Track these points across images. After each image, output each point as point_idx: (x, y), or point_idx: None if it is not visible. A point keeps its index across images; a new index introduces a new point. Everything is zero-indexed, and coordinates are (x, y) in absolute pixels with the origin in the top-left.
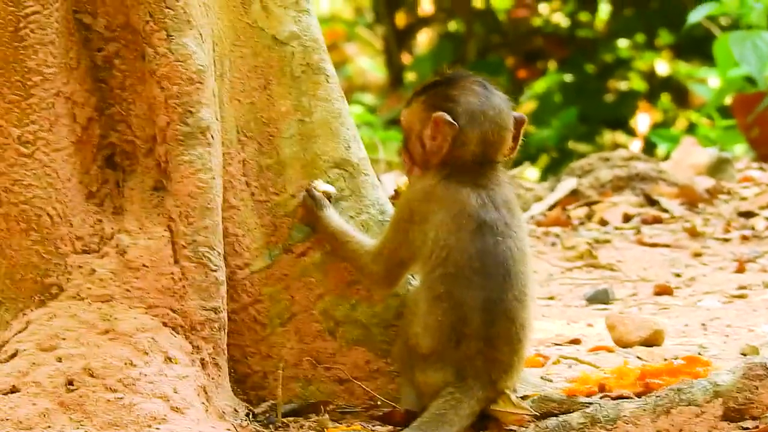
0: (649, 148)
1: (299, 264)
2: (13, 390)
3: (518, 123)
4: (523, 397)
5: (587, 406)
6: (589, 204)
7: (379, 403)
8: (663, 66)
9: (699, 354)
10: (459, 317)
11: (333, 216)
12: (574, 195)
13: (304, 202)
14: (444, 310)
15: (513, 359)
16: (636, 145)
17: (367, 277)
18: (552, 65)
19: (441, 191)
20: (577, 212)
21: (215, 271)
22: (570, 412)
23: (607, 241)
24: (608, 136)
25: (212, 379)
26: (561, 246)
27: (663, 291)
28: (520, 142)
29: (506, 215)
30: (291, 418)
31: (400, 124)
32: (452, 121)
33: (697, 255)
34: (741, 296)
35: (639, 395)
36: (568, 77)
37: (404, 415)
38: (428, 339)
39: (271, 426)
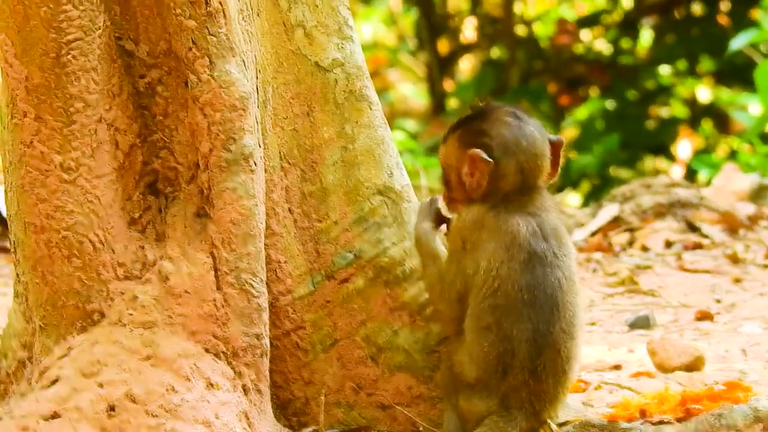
0: (691, 175)
1: (341, 291)
2: (55, 416)
3: (556, 146)
4: (564, 423)
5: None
6: (631, 230)
7: (421, 429)
8: (704, 92)
9: (739, 379)
10: (506, 348)
11: (428, 233)
12: (616, 221)
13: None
14: (491, 341)
15: (558, 390)
16: (677, 172)
17: (437, 317)
18: (594, 92)
19: (491, 220)
20: (619, 238)
21: (258, 297)
22: None
23: (649, 267)
24: (649, 163)
25: (254, 404)
26: (602, 272)
27: (704, 317)
28: (561, 164)
29: (554, 244)
30: None
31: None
32: (487, 158)
33: (738, 281)
34: None
35: (679, 420)
36: (609, 104)
37: None
38: (474, 368)
39: None
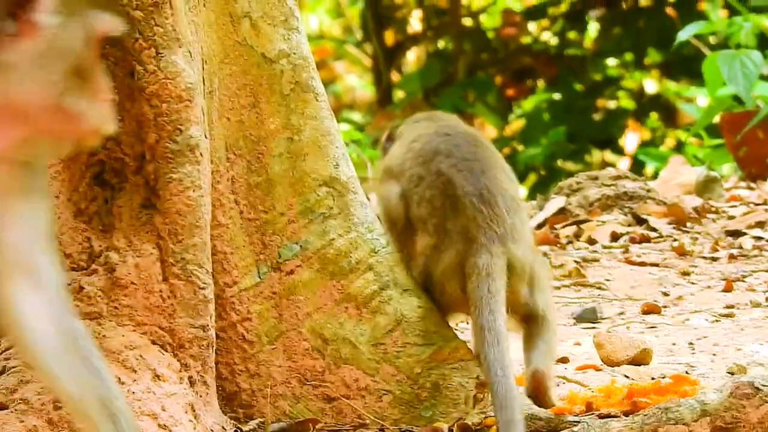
0: (638, 167)
1: (288, 282)
2: (1, 407)
3: None
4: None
5: (575, 425)
6: (578, 223)
7: (367, 421)
8: (651, 85)
9: (686, 373)
10: None
11: None
12: (563, 214)
13: None
14: None
15: None
16: (624, 164)
17: None
18: (541, 83)
19: None
20: (566, 231)
21: (204, 288)
22: (557, 431)
23: (596, 260)
24: (597, 155)
25: (200, 396)
26: (549, 265)
27: (651, 310)
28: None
29: None
30: None
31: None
32: None
33: (685, 274)
34: (728, 315)
35: (626, 414)
36: (556, 95)
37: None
38: None
39: None
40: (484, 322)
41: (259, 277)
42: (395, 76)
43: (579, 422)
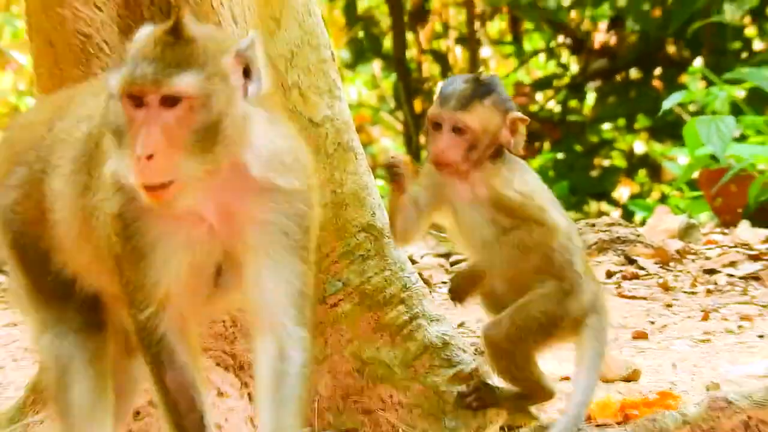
0: (628, 216)
1: (332, 313)
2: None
3: None
4: (520, 426)
5: None
6: None
7: (400, 431)
8: (640, 146)
9: (670, 389)
10: None
11: None
12: None
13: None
14: None
15: None
16: (617, 213)
17: None
18: (546, 145)
19: (524, 167)
20: None
21: None
22: None
23: None
24: (594, 205)
25: None
26: None
27: (639, 336)
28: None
29: None
30: None
31: (459, 131)
32: (526, 117)
33: (669, 306)
34: (706, 341)
35: (619, 424)
36: (560, 155)
37: None
38: None
39: None
40: None
41: None
42: (423, 139)
43: (580, 430)
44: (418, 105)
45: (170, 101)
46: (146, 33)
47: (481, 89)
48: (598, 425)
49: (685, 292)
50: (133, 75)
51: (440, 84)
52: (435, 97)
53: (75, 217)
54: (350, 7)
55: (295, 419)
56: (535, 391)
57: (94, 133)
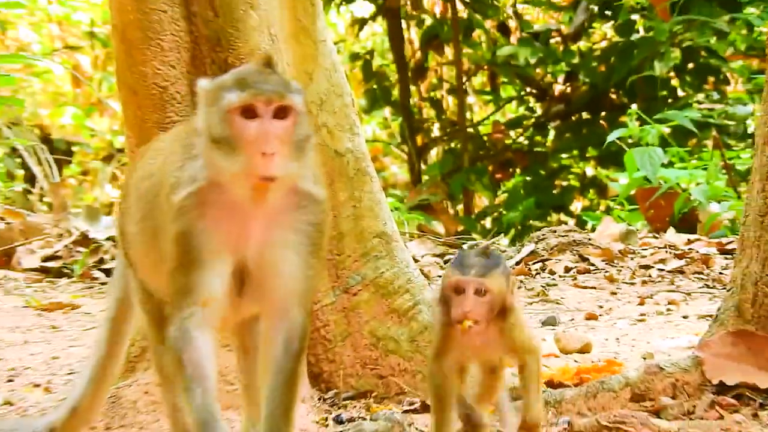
0: (581, 224)
1: (353, 300)
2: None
3: None
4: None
5: (543, 393)
6: (543, 260)
7: (406, 390)
8: (590, 170)
9: (614, 359)
10: None
11: None
12: (533, 254)
13: None
14: None
15: None
16: (572, 222)
17: None
18: (518, 170)
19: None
20: (535, 266)
21: None
22: None
23: (554, 285)
24: (555, 216)
25: None
26: (524, 288)
27: (591, 317)
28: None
29: None
30: (348, 402)
31: (481, 293)
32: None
33: (613, 293)
34: (642, 320)
35: (576, 385)
36: (528, 178)
37: None
38: None
39: (335, 407)
40: None
41: (334, 297)
42: (423, 166)
43: (544, 391)
44: (419, 140)
45: (282, 113)
46: (243, 68)
47: (494, 260)
48: (557, 387)
49: (625, 282)
50: (252, 92)
51: (455, 257)
52: (449, 270)
53: (144, 243)
54: (367, 65)
55: (294, 395)
56: None
57: (155, 186)
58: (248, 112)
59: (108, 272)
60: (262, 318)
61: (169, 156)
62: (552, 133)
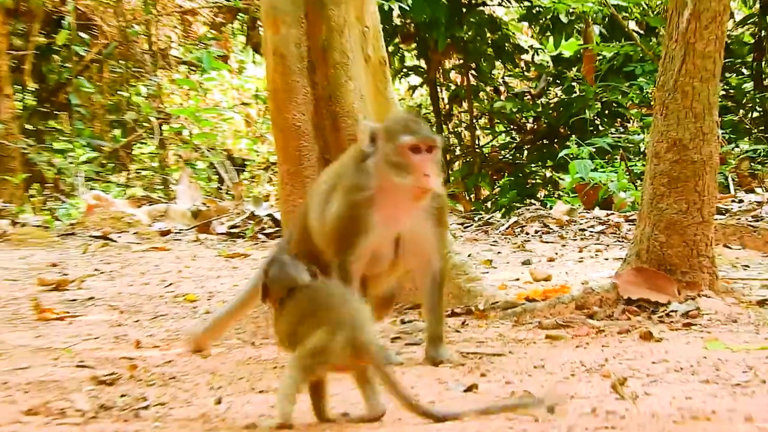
0: (544, 205)
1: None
2: None
3: None
4: (495, 303)
5: (522, 305)
6: (521, 227)
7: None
8: (549, 174)
9: (565, 284)
10: None
11: None
12: (516, 223)
13: None
14: None
15: None
16: (539, 204)
17: None
18: (506, 174)
19: None
20: (517, 230)
21: None
22: (515, 307)
23: (528, 241)
24: (528, 201)
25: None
26: (510, 243)
27: (551, 259)
28: None
29: None
30: (409, 310)
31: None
32: None
33: (564, 246)
34: (581, 261)
35: (543, 300)
36: (512, 179)
37: None
38: None
39: (401, 313)
40: None
41: None
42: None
43: (523, 304)
44: (448, 156)
45: (433, 149)
46: (405, 116)
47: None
48: (532, 301)
49: (571, 239)
50: (419, 137)
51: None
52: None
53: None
54: (416, 115)
55: (441, 308)
56: None
57: (330, 187)
58: (415, 148)
59: (268, 235)
60: (414, 269)
61: (342, 170)
62: (526, 153)
